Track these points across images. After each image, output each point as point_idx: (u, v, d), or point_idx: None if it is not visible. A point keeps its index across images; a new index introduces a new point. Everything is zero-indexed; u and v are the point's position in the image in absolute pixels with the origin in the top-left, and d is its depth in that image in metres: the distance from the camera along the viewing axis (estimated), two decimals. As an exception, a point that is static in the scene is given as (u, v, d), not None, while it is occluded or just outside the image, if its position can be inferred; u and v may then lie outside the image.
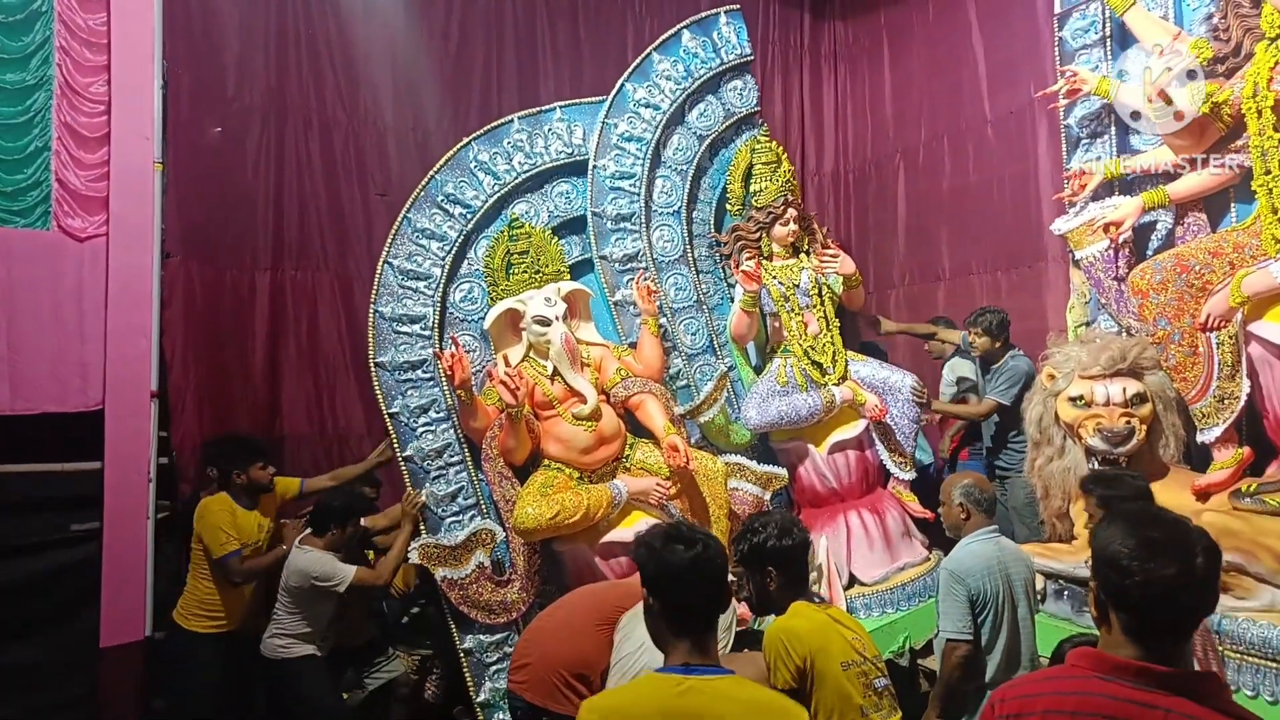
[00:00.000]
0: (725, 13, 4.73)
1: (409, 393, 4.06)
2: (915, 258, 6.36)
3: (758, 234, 4.55)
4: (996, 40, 5.93)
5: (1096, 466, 3.81)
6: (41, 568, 4.34)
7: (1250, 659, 3.25)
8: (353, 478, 4.30)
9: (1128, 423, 3.76)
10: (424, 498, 4.01)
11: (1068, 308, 4.51)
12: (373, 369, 4.06)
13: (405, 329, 4.09)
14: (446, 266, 4.17)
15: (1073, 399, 3.91)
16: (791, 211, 4.53)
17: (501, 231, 4.22)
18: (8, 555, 4.30)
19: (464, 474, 4.09)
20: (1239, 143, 3.69)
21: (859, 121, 6.85)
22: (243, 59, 5.24)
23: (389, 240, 4.17)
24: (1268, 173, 3.48)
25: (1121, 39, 4.21)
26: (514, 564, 4.02)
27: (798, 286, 4.51)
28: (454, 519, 4.03)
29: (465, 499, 4.08)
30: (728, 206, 4.72)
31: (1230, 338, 3.55)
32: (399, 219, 4.19)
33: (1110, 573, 1.46)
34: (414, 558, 3.88)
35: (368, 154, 5.64)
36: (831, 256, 4.51)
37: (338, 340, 5.51)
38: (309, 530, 3.85)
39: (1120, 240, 4.05)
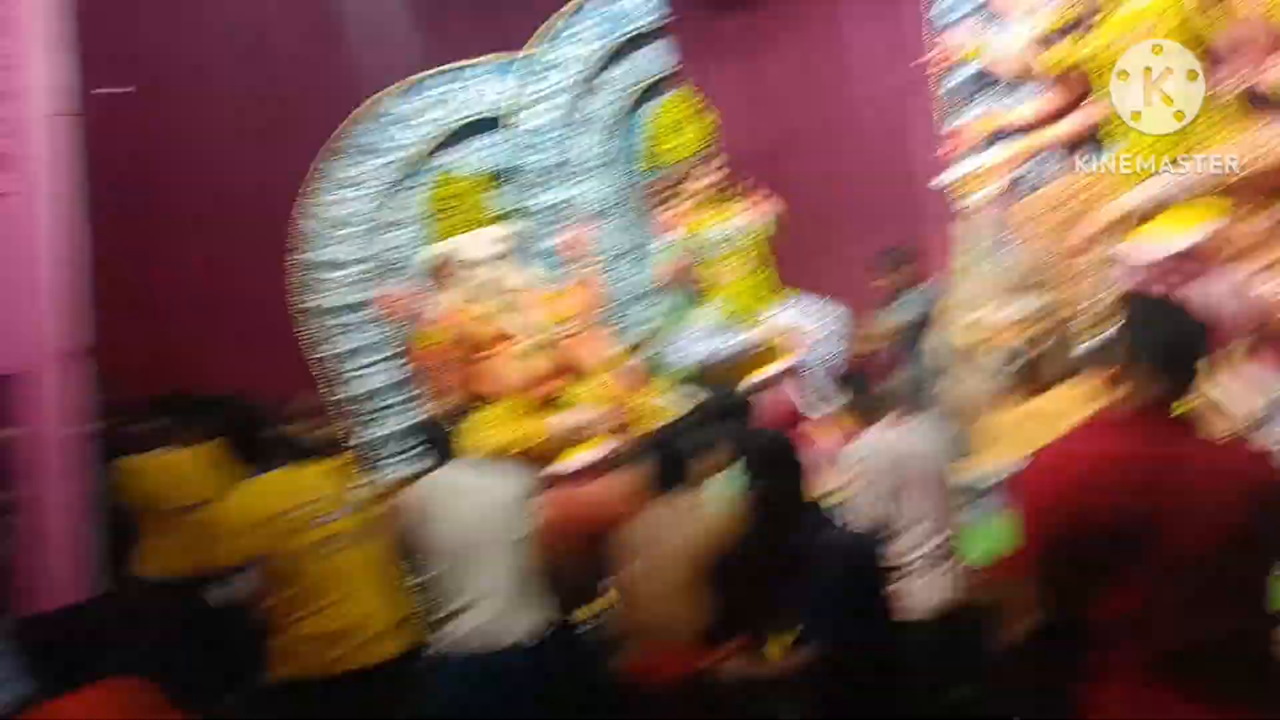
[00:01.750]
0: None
1: (338, 338, 4.06)
2: (796, 239, 6.77)
3: (679, 184, 4.80)
4: (864, 31, 6.41)
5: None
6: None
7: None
8: None
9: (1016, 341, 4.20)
10: None
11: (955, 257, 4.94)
12: (301, 316, 4.02)
13: (330, 275, 4.10)
14: (372, 215, 4.21)
15: (967, 326, 4.33)
16: (705, 164, 4.81)
17: (435, 179, 4.30)
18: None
19: (403, 417, 4.13)
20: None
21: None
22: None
23: (309, 188, 4.16)
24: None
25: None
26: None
27: (721, 233, 4.78)
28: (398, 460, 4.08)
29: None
30: (650, 160, 4.96)
31: (1094, 260, 4.05)
32: (317, 167, 4.18)
33: None
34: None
35: (278, 101, 5.48)
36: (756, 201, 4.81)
37: (258, 293, 5.31)
38: None
39: (1003, 184, 4.51)
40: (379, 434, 4.06)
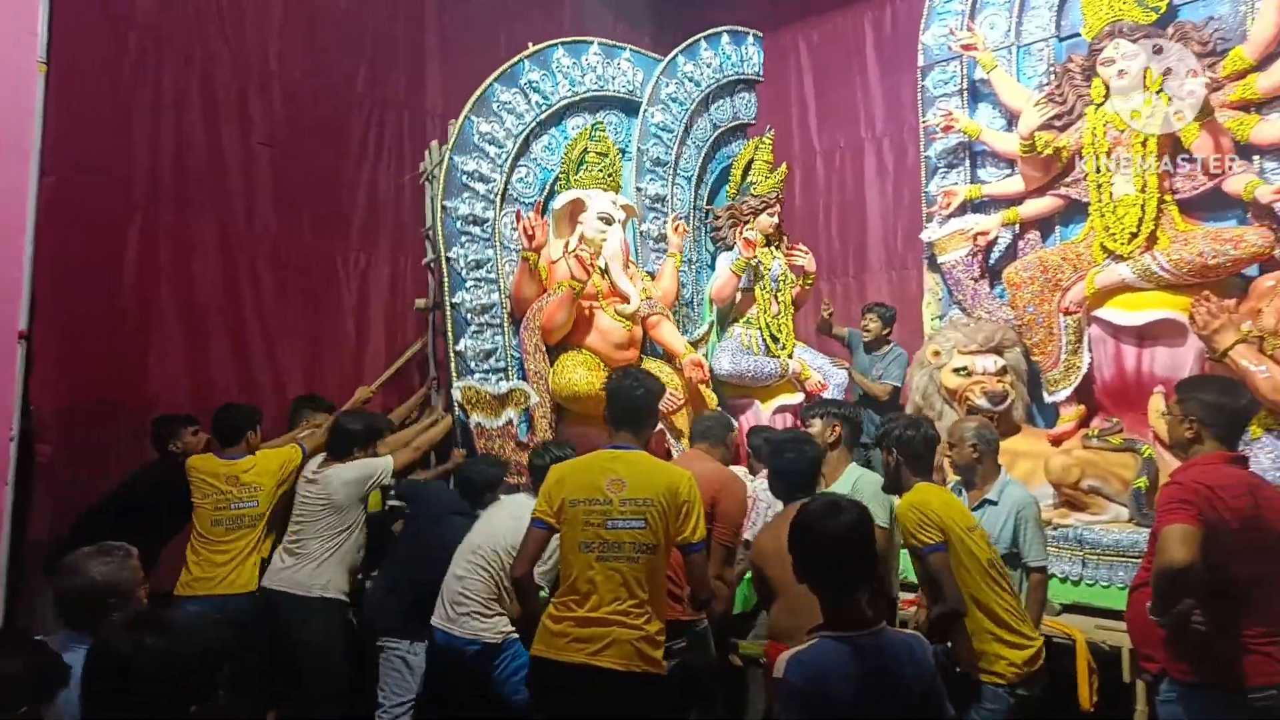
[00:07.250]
0: (753, 34, 5.69)
1: (466, 244, 4.24)
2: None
3: (749, 216, 5.11)
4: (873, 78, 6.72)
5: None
6: None
7: (1105, 558, 4.21)
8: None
9: (1003, 387, 4.86)
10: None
11: (924, 304, 5.59)
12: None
13: (473, 185, 4.28)
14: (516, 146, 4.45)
15: (956, 370, 4.81)
16: (778, 206, 5.18)
17: (585, 129, 4.60)
18: None
19: (500, 338, 4.29)
20: (1068, 179, 4.99)
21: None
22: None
23: (452, 139, 4.32)
24: (1100, 201, 4.80)
25: (974, 93, 5.34)
26: (533, 432, 4.19)
27: (769, 270, 5.11)
28: (483, 376, 4.19)
29: (497, 361, 4.27)
30: (727, 190, 5.44)
31: (1075, 321, 4.86)
32: (463, 117, 4.31)
33: None
34: (456, 396, 4.00)
35: (251, 98, 4.95)
36: (804, 252, 5.20)
37: (211, 292, 4.65)
38: (327, 455, 3.54)
39: (980, 247, 5.26)
40: (480, 347, 4.12)
